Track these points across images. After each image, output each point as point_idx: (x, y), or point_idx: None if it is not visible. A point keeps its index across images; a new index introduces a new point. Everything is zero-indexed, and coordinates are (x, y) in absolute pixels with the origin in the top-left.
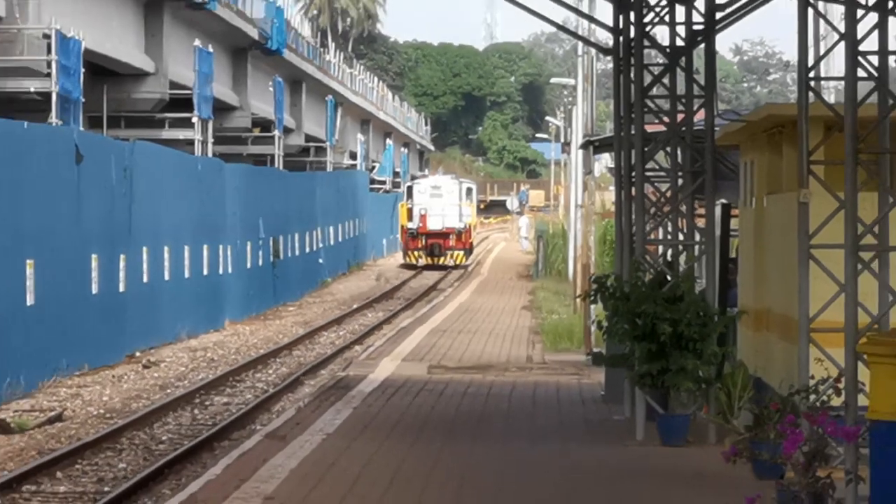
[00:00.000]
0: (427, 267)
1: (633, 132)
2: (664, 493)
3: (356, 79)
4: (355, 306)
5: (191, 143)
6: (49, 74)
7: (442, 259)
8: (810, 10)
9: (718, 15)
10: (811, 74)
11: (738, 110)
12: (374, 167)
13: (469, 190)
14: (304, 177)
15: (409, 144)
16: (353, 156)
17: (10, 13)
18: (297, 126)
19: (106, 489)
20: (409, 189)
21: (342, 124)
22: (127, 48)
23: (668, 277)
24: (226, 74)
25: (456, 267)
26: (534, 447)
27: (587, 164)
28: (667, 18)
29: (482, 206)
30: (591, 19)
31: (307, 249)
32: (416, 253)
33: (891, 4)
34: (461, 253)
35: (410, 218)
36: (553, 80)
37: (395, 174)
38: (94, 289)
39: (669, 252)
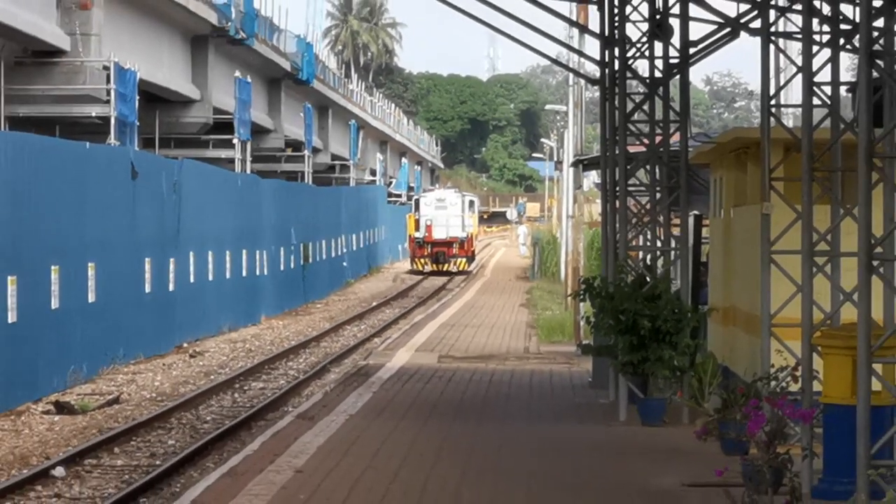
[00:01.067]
0: (432, 273)
1: (617, 152)
2: (644, 467)
3: (376, 105)
4: (375, 304)
5: (231, 161)
6: (108, 101)
7: (446, 266)
8: (772, 47)
9: (692, 50)
10: (772, 102)
11: (708, 133)
12: (391, 182)
13: (471, 202)
14: (330, 191)
15: (422, 163)
16: (373, 172)
17: (75, 47)
18: (325, 146)
19: (157, 463)
20: (417, 202)
21: (363, 145)
22: (176, 78)
23: (648, 279)
24: (262, 101)
25: (459, 273)
26: (530, 427)
27: (577, 180)
28: (647, 53)
29: (485, 217)
30: (581, 54)
31: (333, 254)
32: (422, 260)
33: (842, 41)
34: (463, 260)
35: (417, 228)
36: (547, 106)
37: (410, 189)
38: (147, 288)
39: (649, 257)
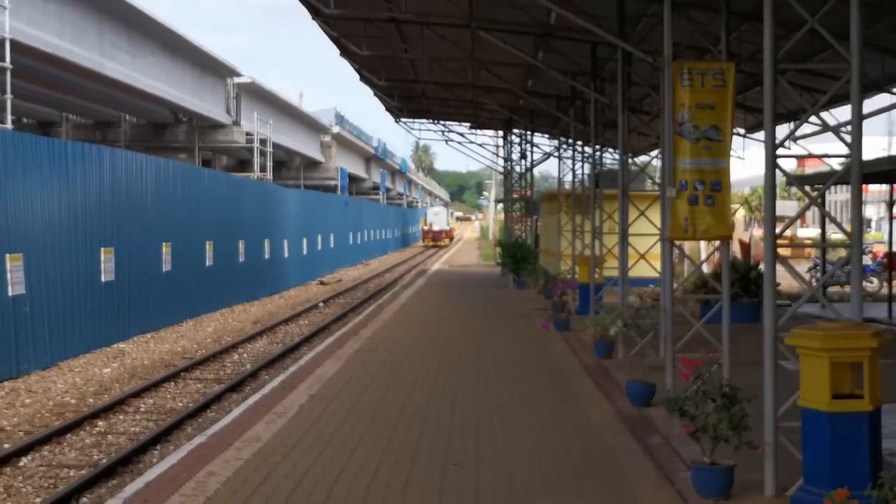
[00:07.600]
0: (432, 246)
1: (512, 196)
2: (518, 303)
3: (427, 180)
4: (420, 250)
5: (377, 200)
6: (337, 181)
7: (440, 242)
8: (560, 162)
9: (536, 161)
10: (564, 180)
11: (540, 191)
12: (431, 206)
13: (452, 213)
14: (403, 209)
15: (442, 200)
16: (426, 203)
17: (326, 160)
18: (411, 195)
19: (355, 302)
20: (426, 213)
21: (423, 195)
22: (360, 172)
23: (520, 241)
24: (389, 179)
25: (445, 246)
26: (478, 289)
27: (497, 207)
28: (521, 163)
29: (462, 219)
30: (496, 163)
31: (410, 232)
32: (427, 240)
33: (586, 157)
34: (448, 240)
35: (426, 224)
36: (486, 181)
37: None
38: (350, 242)
39: (521, 233)
